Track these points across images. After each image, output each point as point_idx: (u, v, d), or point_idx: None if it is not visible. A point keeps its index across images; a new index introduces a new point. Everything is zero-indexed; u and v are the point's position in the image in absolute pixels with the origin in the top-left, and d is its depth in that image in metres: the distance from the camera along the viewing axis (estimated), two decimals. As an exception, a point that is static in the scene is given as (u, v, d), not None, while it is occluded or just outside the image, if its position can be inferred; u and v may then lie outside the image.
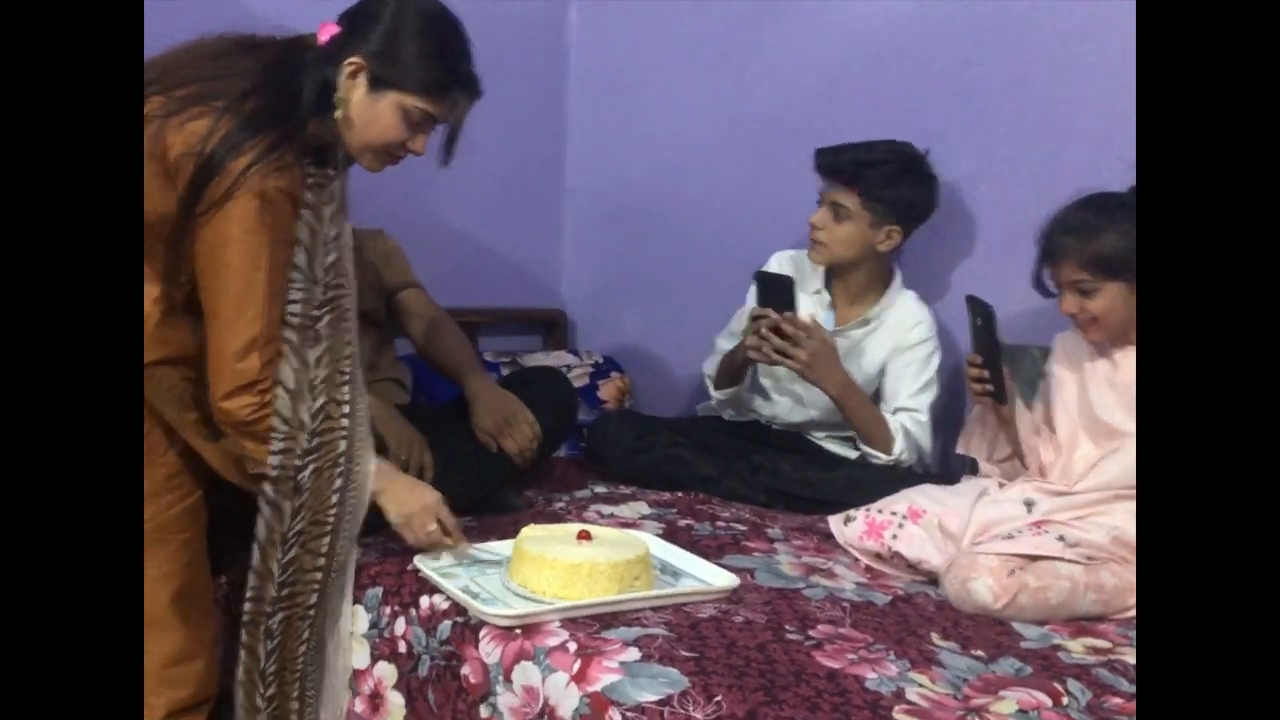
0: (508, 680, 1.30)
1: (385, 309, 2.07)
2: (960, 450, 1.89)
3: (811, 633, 1.36)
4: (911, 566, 1.64)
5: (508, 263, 2.88)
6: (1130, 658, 1.37)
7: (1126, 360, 1.67)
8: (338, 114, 1.46)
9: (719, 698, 1.15)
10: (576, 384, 2.51)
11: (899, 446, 2.04)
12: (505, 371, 2.43)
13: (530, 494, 1.98)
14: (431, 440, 1.79)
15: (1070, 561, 1.51)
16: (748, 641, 1.31)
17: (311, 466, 1.44)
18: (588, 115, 2.92)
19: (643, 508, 1.92)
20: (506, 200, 2.84)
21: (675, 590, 1.48)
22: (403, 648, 1.44)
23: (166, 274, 1.43)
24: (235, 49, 1.46)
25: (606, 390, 2.63)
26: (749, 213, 2.56)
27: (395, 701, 1.44)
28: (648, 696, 1.17)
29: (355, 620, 1.51)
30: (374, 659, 1.48)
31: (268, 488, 1.43)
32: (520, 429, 1.86)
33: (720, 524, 1.85)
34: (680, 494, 2.03)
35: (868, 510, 1.71)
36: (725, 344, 2.24)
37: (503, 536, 1.59)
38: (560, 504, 1.93)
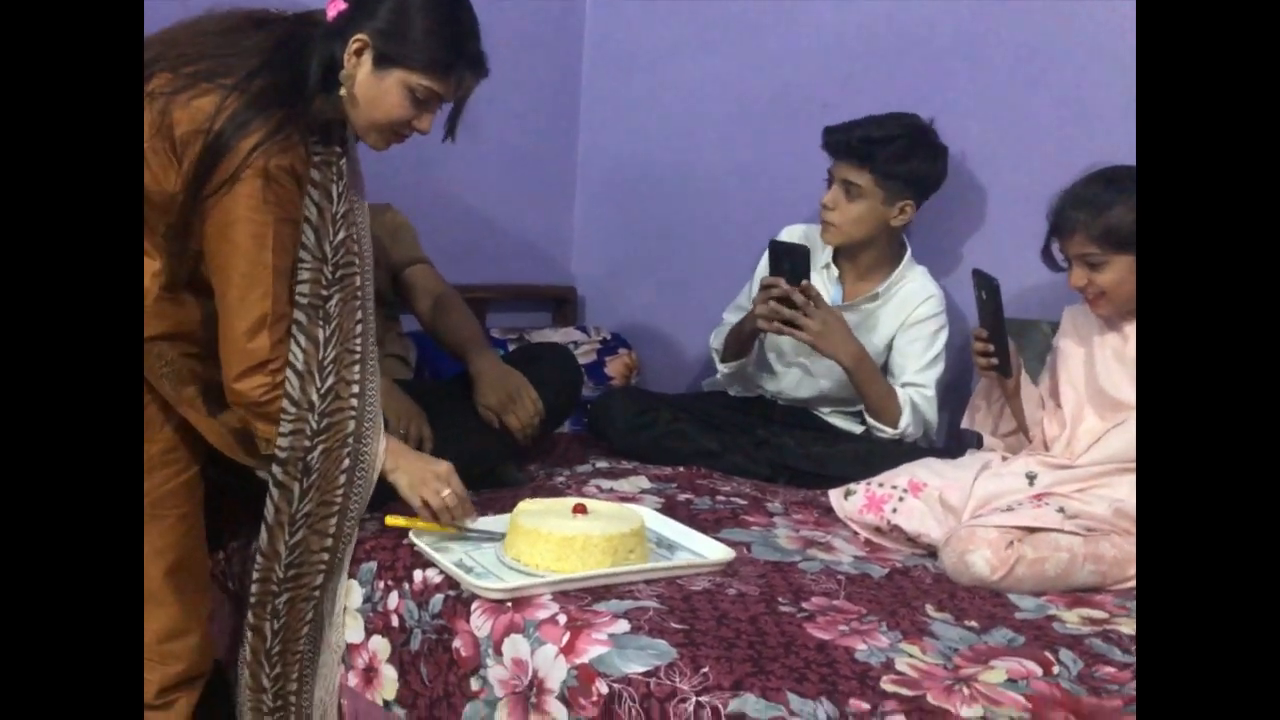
0: (498, 653, 1.30)
1: (392, 284, 2.06)
2: (965, 424, 1.87)
3: (805, 605, 1.36)
4: (911, 540, 1.63)
5: (519, 239, 2.87)
6: (1126, 628, 1.35)
7: (1134, 334, 1.65)
8: (342, 92, 1.44)
9: (706, 669, 1.15)
10: (584, 360, 2.51)
11: (905, 420, 2.02)
12: (512, 348, 2.41)
13: (532, 469, 1.98)
14: (433, 415, 1.79)
15: (1069, 533, 1.49)
16: (739, 614, 1.30)
17: (320, 447, 1.44)
18: (601, 91, 2.90)
19: (643, 482, 1.91)
20: (518, 176, 2.83)
21: (668, 563, 1.47)
22: (395, 621, 1.45)
23: (170, 249, 1.43)
24: (243, 24, 1.45)
25: (614, 367, 2.62)
26: (761, 191, 2.54)
27: (389, 675, 1.44)
28: (635, 668, 1.17)
29: (350, 595, 1.51)
30: (368, 633, 1.48)
31: (277, 469, 1.43)
32: (523, 405, 1.85)
33: (720, 498, 1.84)
34: (681, 469, 2.01)
35: (868, 484, 1.70)
36: (732, 318, 2.22)
37: (502, 511, 1.59)
38: (561, 478, 1.93)
